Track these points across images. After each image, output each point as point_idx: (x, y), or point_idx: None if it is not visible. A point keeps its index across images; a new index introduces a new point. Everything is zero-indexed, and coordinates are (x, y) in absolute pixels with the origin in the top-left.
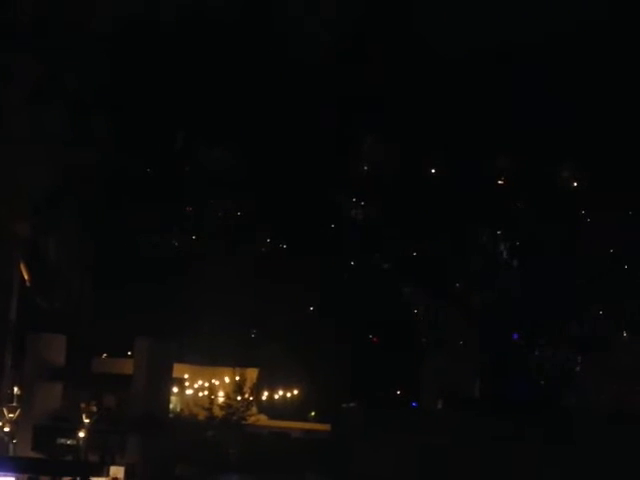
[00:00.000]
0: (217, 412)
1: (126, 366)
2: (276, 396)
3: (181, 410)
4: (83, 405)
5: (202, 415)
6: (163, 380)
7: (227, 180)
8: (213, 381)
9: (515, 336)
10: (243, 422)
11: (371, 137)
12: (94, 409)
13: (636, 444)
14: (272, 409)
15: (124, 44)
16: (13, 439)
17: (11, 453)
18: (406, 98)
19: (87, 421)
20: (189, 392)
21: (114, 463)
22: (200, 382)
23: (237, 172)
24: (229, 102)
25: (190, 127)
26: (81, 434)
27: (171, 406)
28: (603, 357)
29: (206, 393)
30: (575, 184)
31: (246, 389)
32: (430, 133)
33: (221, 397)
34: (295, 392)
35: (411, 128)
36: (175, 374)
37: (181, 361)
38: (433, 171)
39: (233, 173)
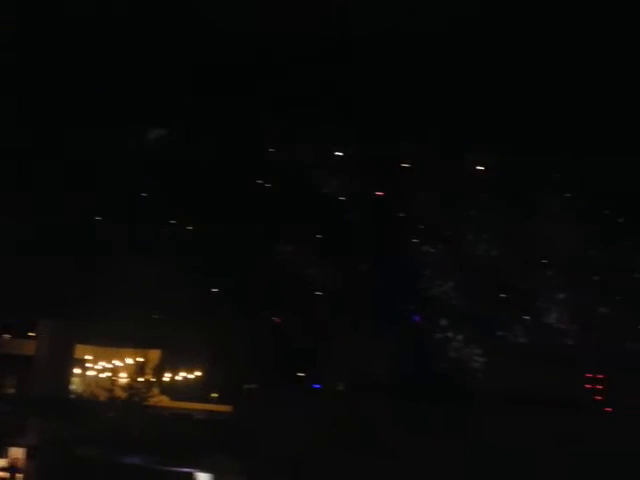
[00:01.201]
0: (119, 393)
1: (28, 347)
2: (178, 377)
3: (83, 391)
4: None
5: (104, 396)
6: (65, 361)
7: (132, 161)
8: (115, 362)
9: (417, 318)
10: (145, 403)
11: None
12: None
13: (533, 426)
14: (174, 390)
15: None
16: None
17: None
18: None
19: None
20: (91, 373)
21: (13, 444)
22: (102, 363)
23: (141, 154)
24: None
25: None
26: None
27: (73, 387)
28: (503, 339)
29: (108, 374)
30: (482, 168)
31: (148, 370)
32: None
33: (123, 378)
34: (197, 373)
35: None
36: (77, 355)
37: (84, 342)
38: (339, 154)
39: (137, 155)
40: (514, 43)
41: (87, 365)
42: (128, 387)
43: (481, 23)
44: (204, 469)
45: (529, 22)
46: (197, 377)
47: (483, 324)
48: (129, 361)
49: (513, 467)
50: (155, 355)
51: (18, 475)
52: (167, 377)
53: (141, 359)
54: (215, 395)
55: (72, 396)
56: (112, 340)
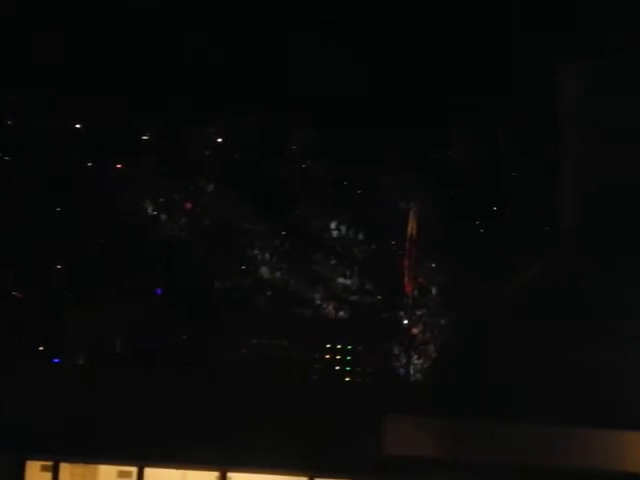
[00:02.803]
0: None
1: None
2: None
3: None
4: None
5: None
6: None
7: None
8: None
9: (159, 291)
10: None
11: None
12: None
13: (265, 394)
14: None
15: None
16: None
17: None
18: None
19: None
20: None
21: None
22: None
23: None
24: None
25: None
26: None
27: None
28: (246, 312)
29: None
30: (220, 140)
31: None
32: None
33: None
34: None
35: None
36: None
37: None
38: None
39: None
40: None
41: None
42: None
43: None
44: None
45: None
46: None
47: (222, 297)
48: None
49: (233, 431)
50: None
51: None
52: None
53: None
54: None
55: None
56: None
